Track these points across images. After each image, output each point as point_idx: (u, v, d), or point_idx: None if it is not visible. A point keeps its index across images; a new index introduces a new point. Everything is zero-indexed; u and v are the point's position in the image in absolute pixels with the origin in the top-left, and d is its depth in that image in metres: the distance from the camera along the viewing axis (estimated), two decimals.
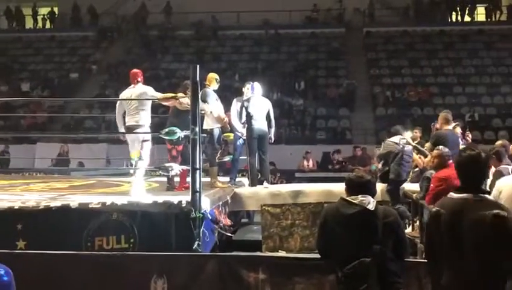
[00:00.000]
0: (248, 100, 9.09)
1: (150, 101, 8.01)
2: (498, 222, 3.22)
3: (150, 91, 7.94)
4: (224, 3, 25.41)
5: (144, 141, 7.79)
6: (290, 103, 20.99)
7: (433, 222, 3.45)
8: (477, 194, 3.38)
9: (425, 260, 3.82)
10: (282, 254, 7.83)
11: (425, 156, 8.99)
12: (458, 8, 26.46)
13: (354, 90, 21.83)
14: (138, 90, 7.97)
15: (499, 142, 7.60)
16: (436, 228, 3.40)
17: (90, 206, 6.59)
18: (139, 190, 7.63)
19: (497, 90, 21.52)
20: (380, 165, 9.35)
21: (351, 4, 26.05)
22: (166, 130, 7.34)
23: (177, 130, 7.19)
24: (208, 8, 25.37)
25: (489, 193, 3.63)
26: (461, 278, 3.28)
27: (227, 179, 9.36)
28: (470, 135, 11.07)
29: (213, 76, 8.74)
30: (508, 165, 6.52)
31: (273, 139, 9.40)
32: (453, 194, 3.48)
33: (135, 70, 8.32)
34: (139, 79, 8.07)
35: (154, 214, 6.48)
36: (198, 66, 6.79)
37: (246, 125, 9.03)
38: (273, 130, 9.30)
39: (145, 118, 7.85)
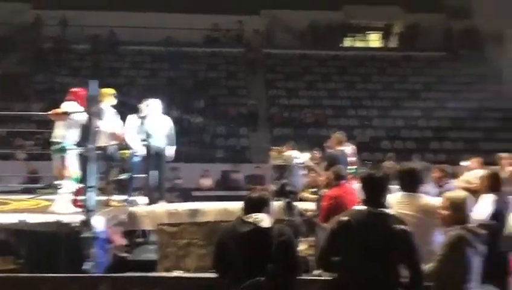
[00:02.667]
0: (145, 117, 8.97)
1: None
2: (404, 235, 3.80)
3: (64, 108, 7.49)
4: (124, 18, 25.06)
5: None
6: (189, 120, 20.95)
7: (342, 230, 3.85)
8: (378, 208, 3.89)
9: (319, 263, 4.28)
10: (178, 273, 7.73)
11: (320, 176, 9.28)
12: (352, 34, 27.72)
13: (257, 111, 22.15)
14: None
15: (386, 163, 7.99)
16: (344, 235, 3.83)
17: None
18: (29, 207, 7.28)
19: (387, 113, 22.65)
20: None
21: (251, 25, 26.50)
22: (60, 146, 7.08)
23: (69, 145, 6.95)
24: (106, 22, 24.88)
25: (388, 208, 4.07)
26: (362, 281, 3.76)
27: (123, 197, 9.14)
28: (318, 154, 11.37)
29: (108, 91, 8.52)
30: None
31: (172, 157, 9.31)
32: (359, 207, 3.98)
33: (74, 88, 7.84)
34: (69, 97, 7.63)
35: (44, 233, 6.20)
36: (94, 80, 6.62)
37: (143, 143, 8.90)
38: (172, 148, 9.22)
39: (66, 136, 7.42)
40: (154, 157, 8.92)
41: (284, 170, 9.34)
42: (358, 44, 27.79)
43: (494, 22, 25.56)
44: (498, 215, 6.04)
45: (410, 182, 4.97)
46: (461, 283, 3.98)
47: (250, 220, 3.96)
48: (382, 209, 3.91)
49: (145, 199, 9.14)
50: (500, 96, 23.77)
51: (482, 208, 5.96)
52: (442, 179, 8.30)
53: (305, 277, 5.53)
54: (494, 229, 5.78)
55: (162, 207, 8.83)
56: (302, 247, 8.17)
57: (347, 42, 28.01)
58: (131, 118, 9.08)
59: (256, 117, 21.98)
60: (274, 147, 10.42)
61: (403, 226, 3.84)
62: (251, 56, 25.78)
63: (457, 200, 4.16)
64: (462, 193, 4.35)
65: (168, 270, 8.11)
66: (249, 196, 4.21)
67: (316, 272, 6.28)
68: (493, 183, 6.30)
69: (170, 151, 9.14)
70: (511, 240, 6.67)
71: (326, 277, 4.68)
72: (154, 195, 9.04)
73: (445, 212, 4.19)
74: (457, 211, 4.11)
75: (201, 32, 26.14)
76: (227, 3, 26.15)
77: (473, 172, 10.77)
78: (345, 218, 3.89)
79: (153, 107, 9.07)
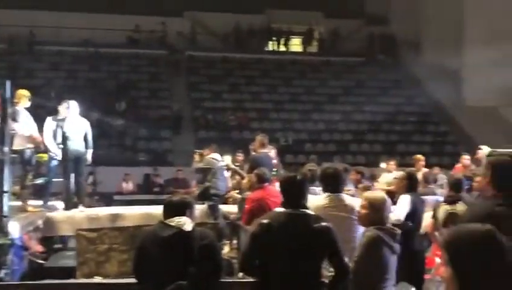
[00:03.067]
0: (64, 119, 8.69)
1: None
2: (326, 232, 3.87)
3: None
4: (43, 17, 24.25)
5: None
6: (110, 123, 20.50)
7: (263, 232, 3.86)
8: (299, 209, 3.93)
9: (242, 268, 4.32)
10: (98, 280, 7.55)
11: (243, 178, 9.32)
12: (275, 38, 28.09)
13: (181, 114, 21.95)
14: None
15: (307, 165, 8.13)
16: (265, 238, 3.84)
17: None
18: None
19: (309, 116, 23.07)
20: None
21: (174, 27, 26.30)
22: None
23: None
24: (24, 22, 23.95)
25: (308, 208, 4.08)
26: (286, 282, 3.80)
27: (39, 202, 8.82)
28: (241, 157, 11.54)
29: (23, 93, 8.19)
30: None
31: (90, 161, 9.08)
32: (280, 209, 4.01)
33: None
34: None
35: None
36: (10, 82, 6.36)
37: (61, 146, 8.63)
38: (90, 151, 8.98)
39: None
40: (72, 161, 8.66)
41: (207, 173, 9.31)
42: (281, 48, 28.16)
43: (410, 29, 26.66)
44: (414, 215, 6.28)
45: (334, 183, 5.07)
46: (378, 282, 4.09)
47: (173, 223, 3.91)
48: (303, 209, 3.95)
49: (63, 204, 8.85)
50: (415, 101, 24.79)
51: (399, 208, 6.17)
52: (360, 180, 8.57)
53: (228, 279, 5.54)
54: (409, 229, 6.01)
55: (82, 212, 8.59)
56: (226, 250, 8.19)
57: (270, 46, 28.32)
58: (49, 121, 8.78)
59: (180, 120, 21.80)
60: (197, 150, 10.36)
61: (324, 224, 3.90)
62: (174, 58, 25.58)
63: (375, 201, 4.26)
64: (380, 194, 4.47)
65: (87, 276, 7.90)
66: (170, 199, 4.16)
67: (240, 274, 6.30)
68: (409, 184, 6.54)
69: (88, 154, 8.90)
70: (426, 239, 6.96)
71: (249, 279, 4.69)
72: (73, 200, 8.78)
73: (363, 211, 4.29)
74: (375, 212, 4.22)
75: (123, 33, 25.66)
76: (150, 5, 25.85)
77: (390, 174, 11.23)
78: (266, 221, 3.90)
79: (71, 109, 8.81)
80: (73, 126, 8.67)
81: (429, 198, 8.30)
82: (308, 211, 3.97)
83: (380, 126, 22.90)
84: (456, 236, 2.13)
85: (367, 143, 21.93)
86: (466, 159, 11.73)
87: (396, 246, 4.14)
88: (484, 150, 10.17)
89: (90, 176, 14.99)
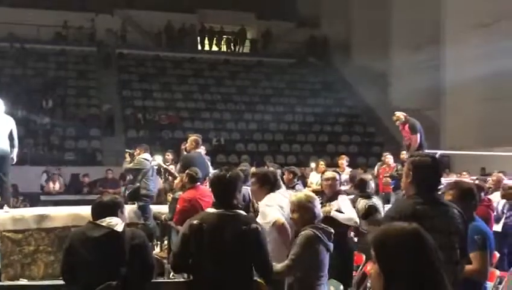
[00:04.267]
0: None
1: None
2: (254, 233, 3.83)
3: None
4: None
5: None
6: (36, 121, 19.87)
7: (193, 233, 3.79)
8: (230, 209, 3.88)
9: (174, 267, 4.23)
10: (23, 282, 7.31)
11: (175, 178, 9.28)
12: (207, 38, 28.03)
13: (112, 113, 21.50)
14: None
15: (242, 165, 8.19)
16: (195, 238, 3.77)
17: None
18: None
19: (241, 117, 23.17)
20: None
21: (104, 24, 25.78)
22: None
23: None
24: None
25: (241, 209, 4.06)
26: (215, 283, 3.77)
27: None
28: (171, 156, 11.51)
29: None
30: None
31: (15, 160, 8.77)
32: (210, 210, 3.95)
33: None
34: None
35: None
36: None
37: None
38: (15, 150, 8.66)
39: None
40: None
41: (137, 173, 9.20)
42: (214, 48, 28.14)
43: (340, 32, 27.25)
44: None
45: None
46: (315, 280, 4.18)
47: (104, 223, 3.85)
48: (234, 210, 3.92)
49: None
50: (344, 103, 25.36)
51: (347, 209, 6.32)
52: (292, 180, 8.71)
53: (159, 279, 5.50)
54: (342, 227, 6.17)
55: (6, 213, 8.29)
56: (157, 250, 8.13)
57: (202, 45, 28.24)
58: None
59: (112, 121, 21.36)
60: (128, 150, 10.21)
61: (253, 225, 3.88)
62: (103, 55, 25.07)
63: (302, 202, 4.34)
64: (305, 194, 4.53)
65: (12, 279, 7.66)
66: (100, 199, 4.09)
67: (171, 275, 6.28)
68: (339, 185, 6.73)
69: (13, 153, 8.59)
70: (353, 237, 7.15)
71: (180, 279, 4.69)
72: None
73: (294, 215, 4.36)
74: (305, 212, 4.30)
75: (50, 29, 24.92)
76: (79, 1, 25.26)
77: (319, 174, 11.46)
78: (196, 221, 3.84)
79: None
80: None
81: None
82: (239, 212, 3.95)
83: (311, 127, 23.29)
84: (383, 234, 2.22)
85: (298, 143, 22.25)
86: (388, 158, 12.24)
87: (331, 245, 4.24)
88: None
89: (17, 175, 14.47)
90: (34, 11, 24.30)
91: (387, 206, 6.76)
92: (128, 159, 9.74)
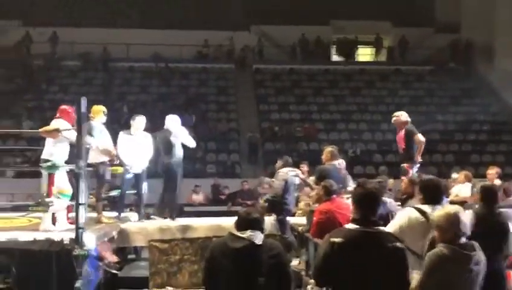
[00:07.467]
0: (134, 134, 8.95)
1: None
2: (398, 253, 3.64)
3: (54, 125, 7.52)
4: (114, 34, 25.14)
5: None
6: None
7: (336, 252, 3.65)
8: (372, 226, 3.70)
9: (316, 281, 3.95)
10: None
11: (313, 190, 9.27)
12: (342, 49, 27.89)
13: (256, 142, 21.63)
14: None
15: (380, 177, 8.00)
16: (338, 257, 3.64)
17: None
18: (19, 225, 7.24)
19: (378, 127, 22.70)
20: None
21: (241, 41, 26.63)
22: (49, 163, 7.07)
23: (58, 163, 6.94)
24: (96, 39, 24.93)
25: (383, 225, 3.91)
26: None
27: (114, 214, 9.10)
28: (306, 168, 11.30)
29: (99, 108, 8.50)
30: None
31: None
32: (351, 226, 3.77)
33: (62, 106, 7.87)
34: (58, 115, 7.64)
35: (34, 252, 6.15)
36: (85, 98, 6.61)
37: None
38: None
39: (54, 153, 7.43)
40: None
41: (281, 187, 9.27)
42: (349, 58, 27.93)
43: (483, 36, 25.84)
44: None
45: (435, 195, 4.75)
46: None
47: (244, 235, 3.93)
48: (376, 227, 3.75)
49: (136, 215, 9.10)
50: (488, 110, 23.98)
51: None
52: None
53: None
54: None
55: (154, 223, 8.79)
56: (295, 262, 8.17)
57: (337, 57, 28.16)
58: (122, 135, 9.03)
59: (256, 149, 21.35)
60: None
61: (397, 244, 3.71)
62: (242, 72, 25.85)
63: (439, 220, 4.00)
64: (448, 210, 4.08)
65: (159, 287, 8.08)
66: (245, 213, 4.11)
67: (308, 287, 6.27)
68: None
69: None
70: None
71: None
72: (146, 211, 9.02)
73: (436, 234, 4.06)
74: (444, 231, 3.95)
75: (191, 48, 26.20)
76: (218, 20, 26.31)
77: (463, 185, 10.88)
78: (339, 239, 3.69)
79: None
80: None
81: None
82: (381, 229, 3.80)
83: (453, 136, 22.27)
84: None
85: (439, 153, 21.35)
86: None
87: (474, 268, 3.91)
88: None
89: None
90: (177, 32, 25.70)
91: None
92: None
